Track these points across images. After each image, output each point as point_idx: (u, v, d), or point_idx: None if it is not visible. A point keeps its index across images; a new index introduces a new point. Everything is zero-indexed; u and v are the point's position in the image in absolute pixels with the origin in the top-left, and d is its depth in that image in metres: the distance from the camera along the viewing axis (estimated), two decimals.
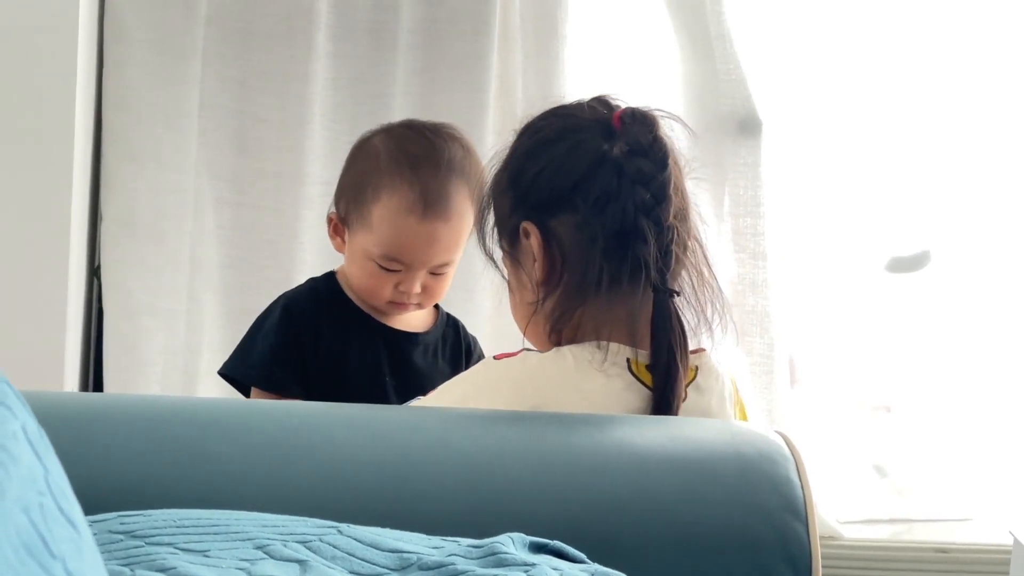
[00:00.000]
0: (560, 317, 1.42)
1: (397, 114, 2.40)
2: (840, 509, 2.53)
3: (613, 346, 1.39)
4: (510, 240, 1.46)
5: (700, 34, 2.52)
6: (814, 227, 2.64)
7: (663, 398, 1.37)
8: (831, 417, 2.65)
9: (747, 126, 2.53)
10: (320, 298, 1.89)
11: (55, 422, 1.14)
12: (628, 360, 1.39)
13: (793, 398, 2.55)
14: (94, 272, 2.49)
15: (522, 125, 1.50)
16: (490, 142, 2.50)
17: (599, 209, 1.40)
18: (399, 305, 1.84)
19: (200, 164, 2.52)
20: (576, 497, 1.12)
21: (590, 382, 1.37)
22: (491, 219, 1.49)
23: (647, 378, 1.38)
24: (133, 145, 2.47)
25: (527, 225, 1.43)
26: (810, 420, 2.60)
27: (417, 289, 1.82)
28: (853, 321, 2.65)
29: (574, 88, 2.52)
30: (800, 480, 1.17)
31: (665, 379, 1.38)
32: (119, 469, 1.10)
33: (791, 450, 1.21)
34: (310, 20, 2.52)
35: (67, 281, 2.34)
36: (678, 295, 1.42)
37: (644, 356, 1.39)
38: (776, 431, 1.25)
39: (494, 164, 1.50)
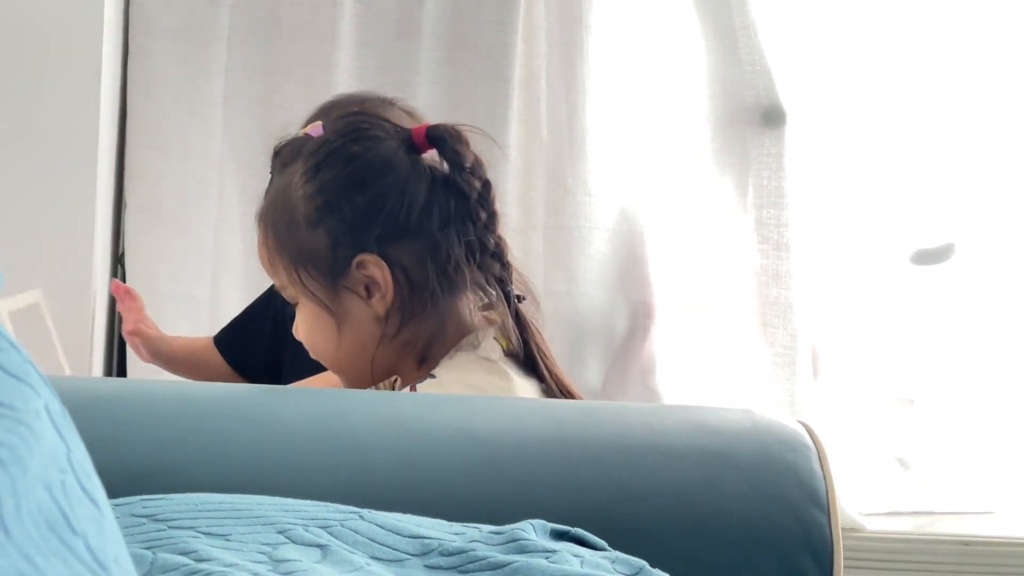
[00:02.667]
0: (433, 338, 1.41)
1: (421, 103, 2.40)
2: (863, 501, 2.53)
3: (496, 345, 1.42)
4: (332, 273, 1.40)
5: (725, 24, 2.51)
6: (838, 218, 2.63)
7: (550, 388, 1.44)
8: (854, 409, 2.64)
9: (771, 117, 2.52)
10: (235, 329, 1.90)
11: (80, 407, 1.15)
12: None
13: (816, 390, 2.55)
14: (119, 260, 2.50)
15: (302, 148, 1.43)
16: (514, 131, 2.51)
17: (443, 233, 1.39)
18: None
19: (225, 153, 2.52)
20: (597, 485, 1.12)
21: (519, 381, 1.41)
22: (286, 254, 1.43)
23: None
24: (158, 134, 2.48)
25: (366, 257, 1.38)
26: (833, 412, 2.59)
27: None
28: (877, 313, 2.65)
29: (598, 78, 2.52)
30: (823, 470, 1.17)
31: (547, 371, 1.44)
32: (142, 454, 1.10)
33: (813, 440, 1.21)
34: (335, 8, 2.52)
35: (92, 269, 2.35)
36: (523, 300, 1.45)
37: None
38: (799, 421, 1.25)
39: (275, 185, 1.45)
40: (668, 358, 2.59)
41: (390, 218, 1.39)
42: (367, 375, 1.42)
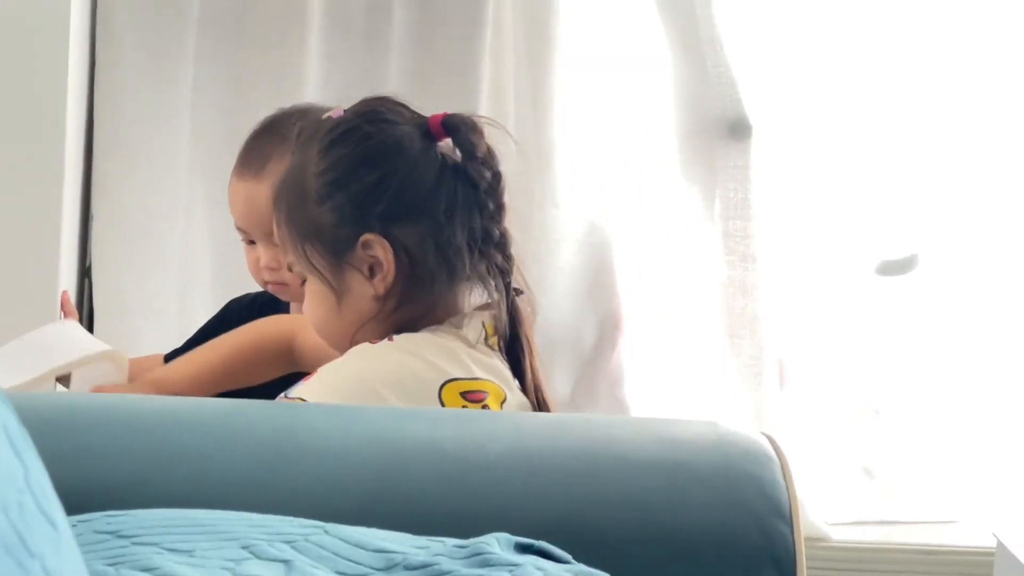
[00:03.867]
0: (421, 318, 1.44)
1: None
2: (828, 511, 2.54)
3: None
4: (336, 250, 1.43)
5: (691, 38, 2.52)
6: (804, 230, 2.64)
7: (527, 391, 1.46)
8: (820, 419, 2.65)
9: (737, 129, 2.54)
10: (258, 303, 1.90)
11: (42, 422, 1.15)
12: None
13: (782, 400, 2.56)
14: (85, 272, 2.50)
15: (320, 128, 1.46)
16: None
17: (448, 217, 1.42)
18: (274, 286, 1.82)
19: (192, 164, 2.52)
20: (561, 498, 1.12)
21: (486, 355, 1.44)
22: (294, 229, 1.46)
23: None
24: (125, 145, 2.48)
25: (371, 237, 1.42)
26: (799, 422, 2.61)
27: (269, 262, 1.78)
28: (842, 324, 2.66)
29: (565, 91, 2.53)
30: (786, 482, 1.18)
31: (530, 368, 1.46)
32: (106, 469, 1.10)
33: (777, 452, 1.21)
34: (303, 21, 2.52)
35: (58, 281, 2.34)
36: (521, 293, 1.47)
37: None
38: (762, 432, 1.26)
39: (291, 163, 1.48)
40: (636, 369, 2.60)
41: (396, 198, 1.41)
42: (348, 344, 1.44)
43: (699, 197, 2.56)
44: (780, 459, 1.20)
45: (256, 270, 1.83)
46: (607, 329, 2.59)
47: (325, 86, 2.53)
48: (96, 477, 1.09)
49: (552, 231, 2.54)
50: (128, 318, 2.45)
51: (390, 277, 1.42)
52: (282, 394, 1.42)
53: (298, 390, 1.41)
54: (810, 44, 2.60)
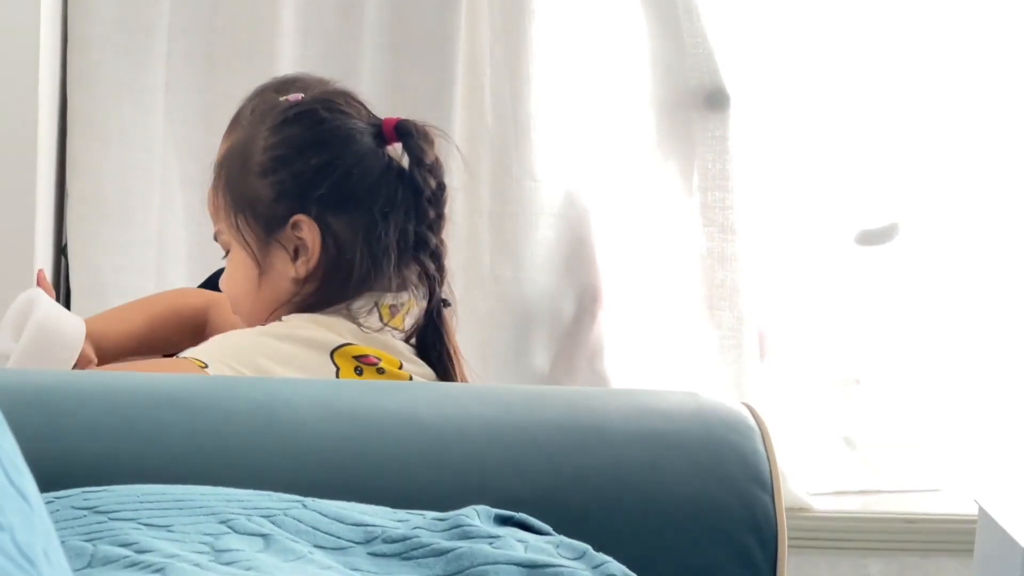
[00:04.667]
0: (316, 306, 1.45)
1: (365, 89, 2.38)
2: (810, 481, 2.54)
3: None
4: (268, 225, 1.45)
5: (667, 9, 2.51)
6: (783, 200, 2.64)
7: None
8: (801, 390, 2.66)
9: (715, 100, 2.53)
10: (212, 282, 1.89)
11: (19, 399, 1.14)
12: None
13: (763, 371, 2.56)
14: (61, 251, 2.48)
15: (276, 107, 1.48)
16: (458, 118, 2.50)
17: (383, 216, 1.44)
18: None
19: (167, 142, 2.50)
20: (541, 469, 1.12)
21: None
22: (230, 197, 1.48)
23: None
24: (99, 124, 2.46)
25: (302, 219, 1.44)
26: (780, 393, 2.61)
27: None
28: (822, 294, 2.66)
29: (541, 64, 2.52)
30: (766, 451, 1.18)
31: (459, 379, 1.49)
32: (83, 446, 1.10)
33: (757, 421, 1.21)
34: None
35: (33, 260, 2.33)
36: (449, 305, 1.50)
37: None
38: (742, 403, 1.26)
39: (240, 135, 1.50)
40: (615, 342, 2.60)
41: (337, 185, 1.43)
42: (261, 322, 1.47)
43: (677, 169, 2.56)
44: (761, 429, 1.20)
45: None
46: (586, 302, 2.59)
47: (300, 62, 2.51)
48: (74, 454, 1.08)
49: (530, 204, 2.53)
50: (105, 295, 2.43)
51: (313, 261, 1.44)
52: (179, 354, 1.44)
53: (192, 351, 1.43)
54: (787, 13, 2.59)
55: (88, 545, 0.85)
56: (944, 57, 2.60)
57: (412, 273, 1.47)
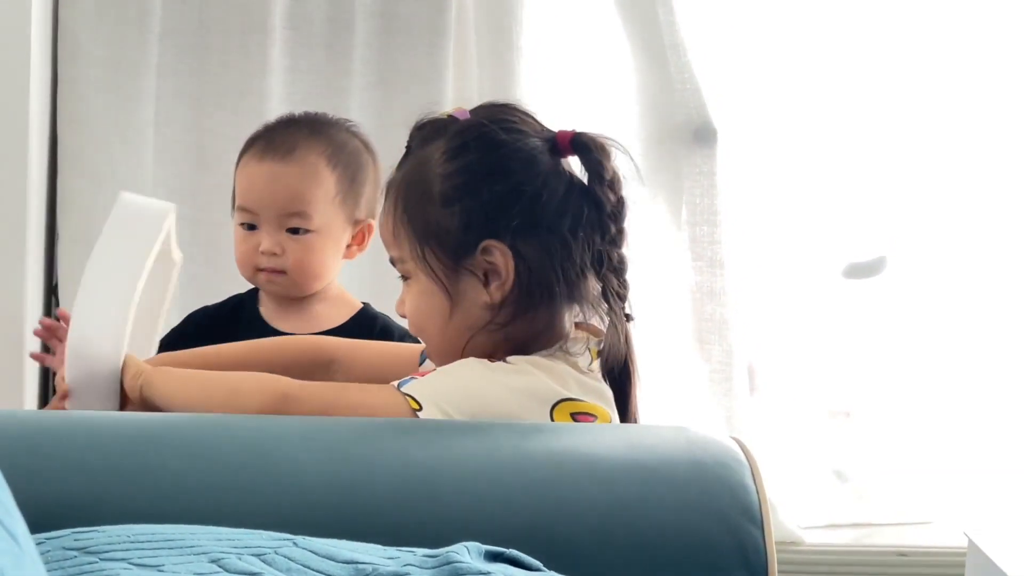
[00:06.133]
0: (536, 337, 1.42)
1: None
2: (801, 514, 2.54)
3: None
4: (455, 254, 1.41)
5: (654, 44, 2.53)
6: (771, 234, 2.65)
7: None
8: (791, 423, 2.66)
9: (702, 135, 2.54)
10: (224, 309, 1.90)
11: (10, 440, 1.14)
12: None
13: (753, 405, 2.56)
14: (52, 290, 2.48)
15: (446, 128, 1.44)
16: None
17: (572, 234, 1.41)
18: (267, 274, 1.81)
19: (157, 180, 2.51)
20: (532, 505, 1.12)
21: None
22: (412, 228, 1.43)
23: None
24: (89, 162, 2.47)
25: (493, 244, 1.39)
26: (770, 427, 2.61)
27: (272, 247, 1.79)
28: (811, 327, 2.67)
29: (529, 98, 2.53)
30: (756, 485, 1.18)
31: (633, 400, 1.44)
32: (74, 486, 1.10)
33: (747, 456, 1.22)
34: (265, 35, 2.51)
35: (24, 300, 2.33)
36: (632, 320, 1.46)
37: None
38: (731, 436, 1.26)
39: (412, 161, 1.45)
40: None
41: (526, 210, 1.39)
42: (457, 356, 1.41)
43: (665, 203, 2.57)
44: (750, 463, 1.20)
45: (251, 257, 1.82)
46: None
47: (288, 99, 2.52)
48: (65, 495, 1.08)
49: None
50: None
51: (508, 285, 1.39)
52: (394, 382, 1.39)
53: (409, 386, 1.37)
54: (774, 48, 2.61)
55: None
56: (929, 91, 2.62)
57: (598, 292, 1.43)
